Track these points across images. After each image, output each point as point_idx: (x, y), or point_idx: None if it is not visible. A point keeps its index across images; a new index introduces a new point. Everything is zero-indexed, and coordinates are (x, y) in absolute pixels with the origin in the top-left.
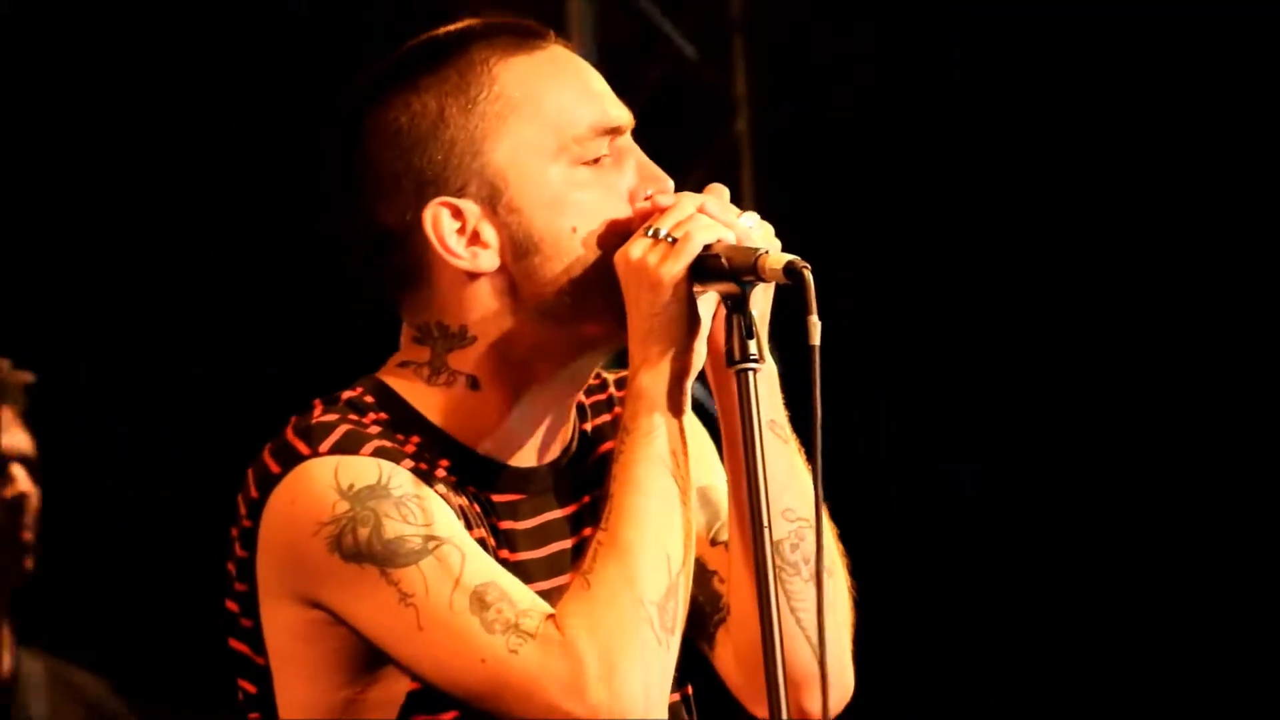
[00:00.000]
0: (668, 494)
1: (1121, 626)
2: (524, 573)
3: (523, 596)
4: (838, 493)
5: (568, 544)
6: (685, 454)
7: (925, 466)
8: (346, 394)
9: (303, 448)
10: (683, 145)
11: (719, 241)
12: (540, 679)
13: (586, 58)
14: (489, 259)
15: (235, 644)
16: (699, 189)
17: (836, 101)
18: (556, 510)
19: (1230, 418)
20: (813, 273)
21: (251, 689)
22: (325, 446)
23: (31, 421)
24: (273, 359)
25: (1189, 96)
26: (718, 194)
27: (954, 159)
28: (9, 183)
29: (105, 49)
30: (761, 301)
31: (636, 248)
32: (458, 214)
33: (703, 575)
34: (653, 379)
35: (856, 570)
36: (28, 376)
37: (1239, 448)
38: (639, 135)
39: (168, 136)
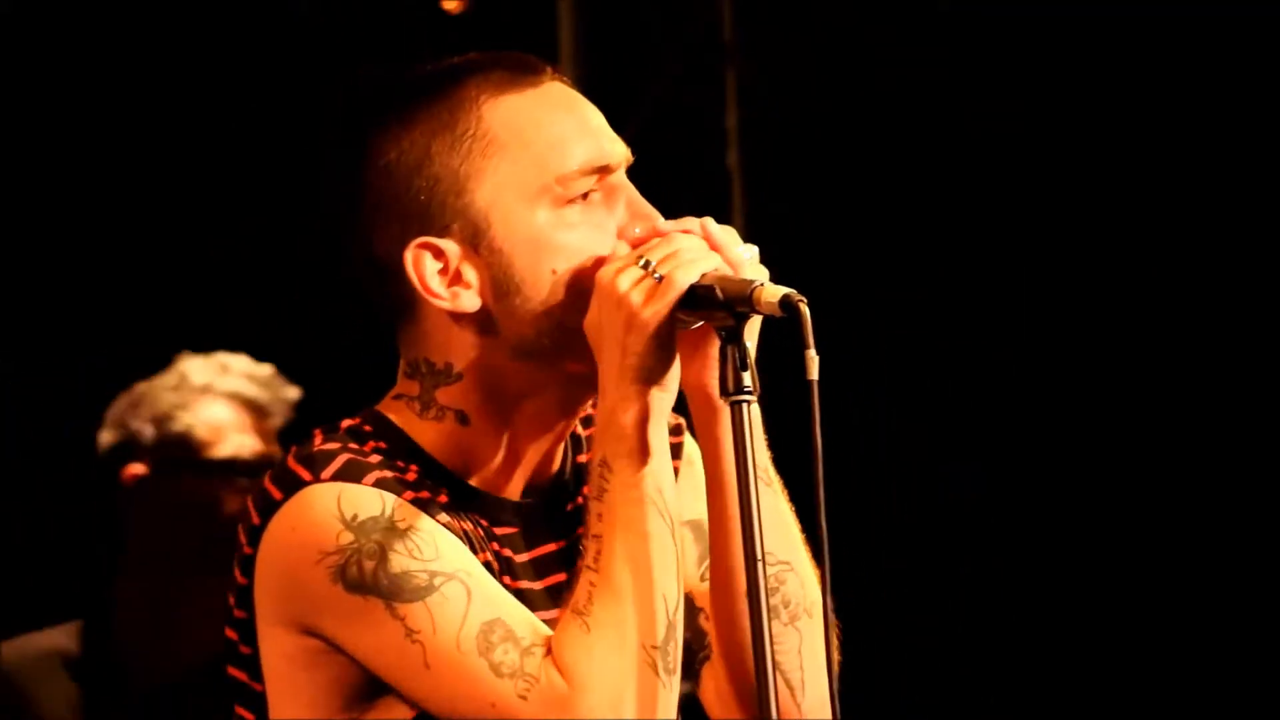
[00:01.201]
0: (659, 535)
1: (1122, 626)
2: (526, 602)
3: (526, 630)
4: (835, 498)
5: (564, 576)
6: (670, 487)
7: (925, 466)
8: (346, 423)
9: (304, 474)
10: (673, 177)
11: (713, 270)
12: None
13: (575, 89)
14: (470, 299)
15: (233, 671)
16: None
17: (828, 134)
18: (551, 543)
19: (1231, 417)
20: (808, 305)
21: (250, 717)
22: (327, 473)
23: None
24: (272, 359)
25: (1185, 96)
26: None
27: (946, 186)
28: (8, 183)
29: (105, 49)
30: (749, 335)
31: (625, 278)
32: (439, 254)
33: (690, 612)
34: (632, 416)
35: (856, 571)
36: (294, 392)
37: (1239, 447)
38: (630, 168)
39: (169, 137)
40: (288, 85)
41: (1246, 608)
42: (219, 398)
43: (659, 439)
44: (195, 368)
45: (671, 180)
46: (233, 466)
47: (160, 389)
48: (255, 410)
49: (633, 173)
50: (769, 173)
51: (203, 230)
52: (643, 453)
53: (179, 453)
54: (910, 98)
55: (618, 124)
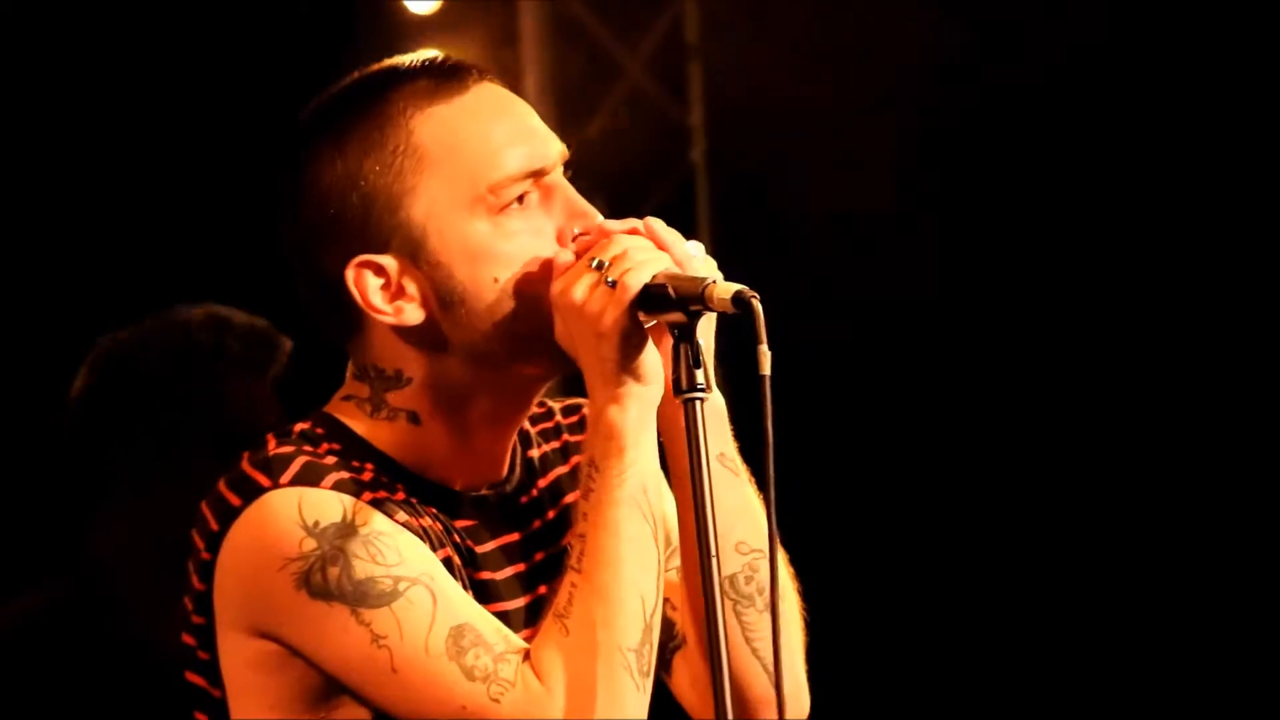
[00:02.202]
0: (641, 538)
1: (1119, 628)
2: (487, 593)
3: (497, 638)
4: (825, 502)
5: (521, 568)
6: (656, 488)
7: (922, 467)
8: (298, 426)
9: (263, 480)
10: (638, 174)
11: (665, 272)
12: None
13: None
14: (414, 313)
15: (192, 677)
16: (653, 216)
17: (790, 131)
18: (507, 536)
19: (1227, 417)
20: (766, 300)
21: None
22: (286, 478)
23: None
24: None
25: (1166, 103)
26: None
27: (913, 179)
28: (6, 183)
29: (103, 48)
30: (706, 331)
31: (579, 289)
32: (380, 270)
33: None
34: (620, 415)
35: (847, 575)
36: (289, 343)
37: (1236, 447)
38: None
39: (166, 134)
40: (287, 82)
41: (1244, 608)
42: (228, 362)
43: (647, 440)
44: (196, 326)
45: (636, 176)
46: (234, 434)
47: (160, 350)
48: (258, 370)
49: (599, 169)
50: (733, 169)
51: (200, 229)
52: (629, 453)
53: (185, 422)
54: (873, 93)
55: (582, 121)
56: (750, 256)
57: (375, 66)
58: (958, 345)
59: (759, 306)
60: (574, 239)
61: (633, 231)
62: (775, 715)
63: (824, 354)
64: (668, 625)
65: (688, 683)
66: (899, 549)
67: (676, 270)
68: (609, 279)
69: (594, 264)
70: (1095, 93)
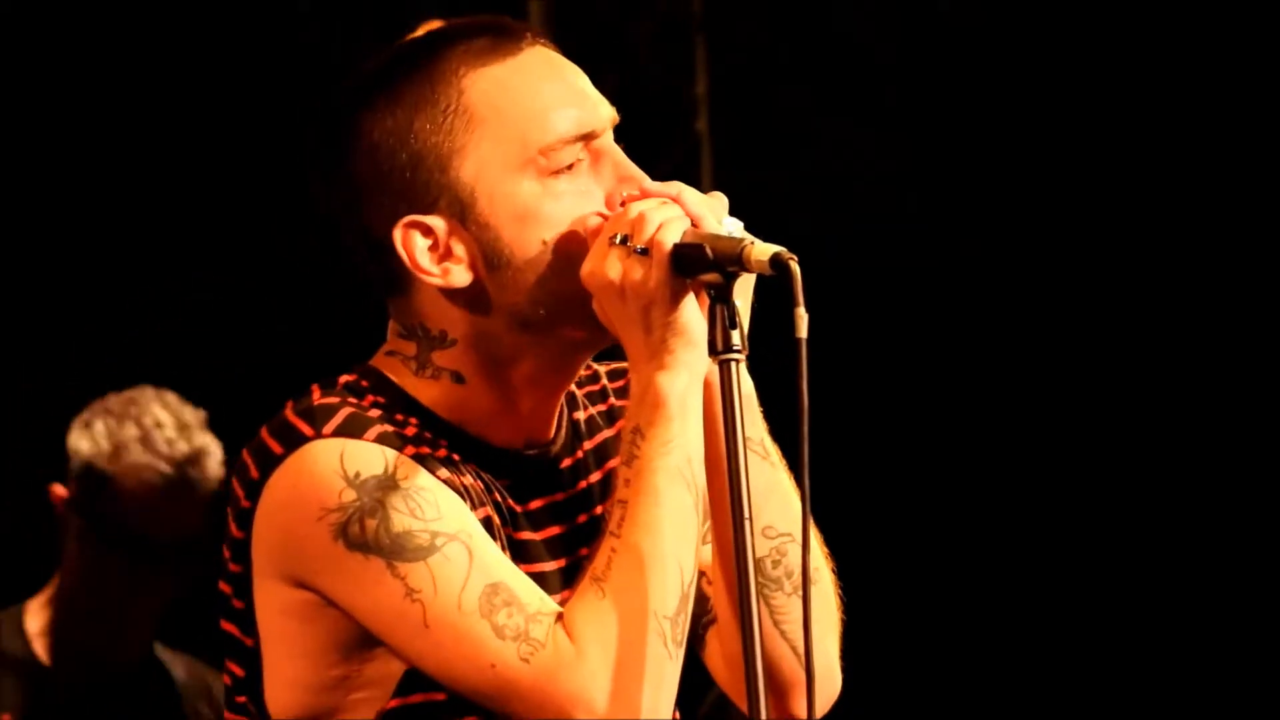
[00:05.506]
0: (684, 507)
1: (1116, 629)
2: (525, 553)
3: (531, 597)
4: (831, 494)
5: (561, 529)
6: (700, 459)
7: (920, 467)
8: (343, 378)
9: (306, 429)
10: (643, 145)
11: (696, 231)
12: (551, 690)
13: (558, 51)
14: (460, 274)
15: (226, 625)
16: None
17: (797, 102)
18: (548, 497)
19: (1226, 416)
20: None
21: (239, 672)
22: (329, 429)
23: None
24: (268, 354)
25: (1165, 102)
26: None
27: (915, 149)
28: (5, 184)
29: (102, 47)
30: (742, 294)
31: (611, 268)
32: (428, 231)
33: None
34: (670, 382)
35: (853, 570)
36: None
37: (1235, 447)
38: None
39: (164, 134)
40: (286, 80)
41: (1243, 608)
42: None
43: (694, 409)
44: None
45: (641, 148)
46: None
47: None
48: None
49: None
50: (738, 139)
51: (198, 230)
52: (675, 422)
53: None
54: (877, 64)
55: None
56: (754, 227)
57: (427, 29)
58: (966, 318)
59: (797, 269)
60: (621, 203)
61: (665, 199)
62: (803, 701)
63: (828, 326)
64: (701, 600)
65: (720, 658)
66: (946, 526)
67: (703, 229)
68: (638, 248)
69: (617, 240)
70: (1099, 85)
